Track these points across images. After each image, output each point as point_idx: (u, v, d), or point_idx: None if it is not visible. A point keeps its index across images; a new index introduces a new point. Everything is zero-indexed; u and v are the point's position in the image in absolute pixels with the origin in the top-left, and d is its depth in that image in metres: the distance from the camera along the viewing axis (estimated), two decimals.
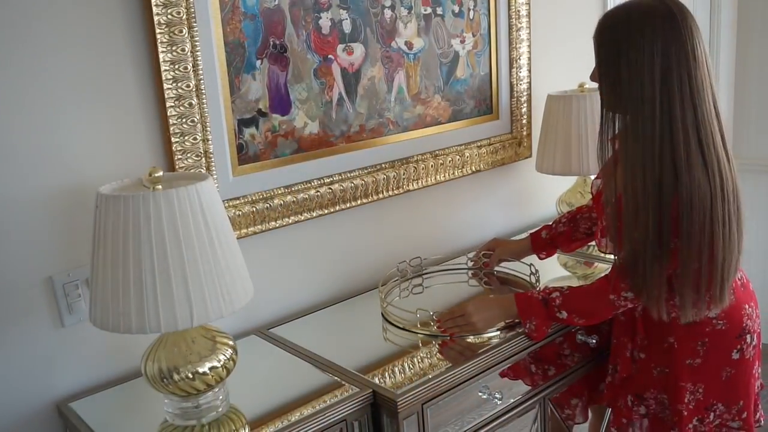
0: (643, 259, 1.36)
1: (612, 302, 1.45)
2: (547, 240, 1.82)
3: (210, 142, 1.50)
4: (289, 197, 1.66)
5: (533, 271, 1.73)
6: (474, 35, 2.03)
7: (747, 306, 1.51)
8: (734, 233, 1.37)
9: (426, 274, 1.90)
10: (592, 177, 2.13)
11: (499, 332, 1.52)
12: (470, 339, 1.51)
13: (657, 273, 1.36)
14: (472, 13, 2.01)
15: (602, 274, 1.59)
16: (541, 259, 1.84)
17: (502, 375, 1.51)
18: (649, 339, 1.54)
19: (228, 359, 1.23)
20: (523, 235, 1.98)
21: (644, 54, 1.32)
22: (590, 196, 2.09)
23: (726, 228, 1.36)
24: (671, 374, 1.51)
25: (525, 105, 2.22)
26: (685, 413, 1.50)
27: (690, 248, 1.34)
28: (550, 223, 1.85)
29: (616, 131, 1.45)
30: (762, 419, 1.59)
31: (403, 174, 1.90)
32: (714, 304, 1.41)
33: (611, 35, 1.38)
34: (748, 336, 1.50)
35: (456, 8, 1.96)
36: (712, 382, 1.51)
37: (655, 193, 1.33)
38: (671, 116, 1.32)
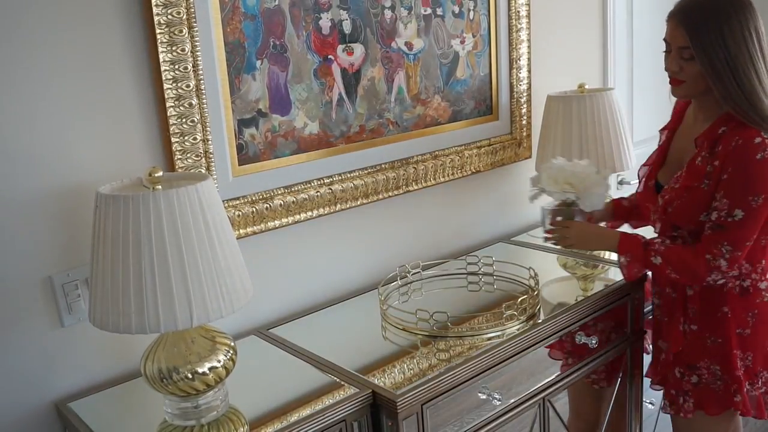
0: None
1: (708, 262, 1.51)
2: (627, 208, 1.87)
3: (210, 142, 1.50)
4: (289, 197, 1.66)
5: (533, 274, 1.73)
6: (474, 36, 2.03)
7: None
8: None
9: (426, 279, 1.90)
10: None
11: (500, 333, 1.52)
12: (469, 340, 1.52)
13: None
14: (472, 13, 2.01)
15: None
16: (608, 226, 1.87)
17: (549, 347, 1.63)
18: (703, 310, 1.62)
19: (227, 359, 1.23)
20: None
21: (743, 29, 1.47)
22: None
23: None
24: (724, 343, 1.60)
25: (525, 106, 2.22)
26: (742, 379, 1.60)
27: None
28: (630, 195, 1.91)
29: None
30: None
31: (403, 174, 1.90)
32: None
33: (710, 20, 1.48)
34: None
35: (456, 9, 1.96)
36: (759, 351, 1.61)
37: None
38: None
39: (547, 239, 1.80)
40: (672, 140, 1.71)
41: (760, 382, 1.62)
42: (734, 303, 1.58)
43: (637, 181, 1.79)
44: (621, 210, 1.88)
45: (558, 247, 1.82)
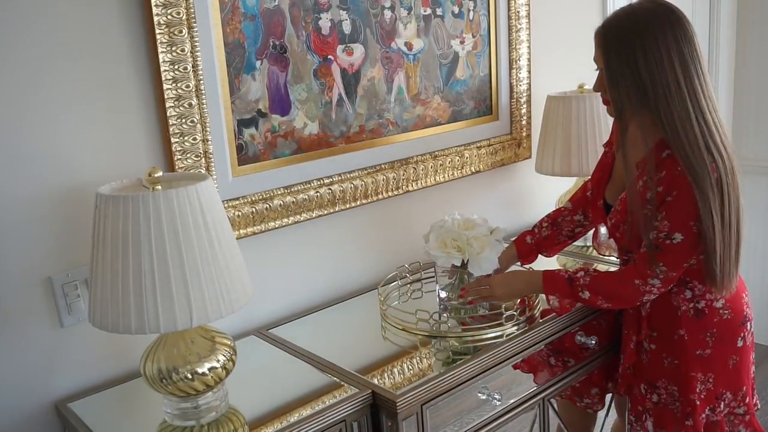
0: (722, 245, 1.40)
1: (637, 287, 1.47)
2: (532, 246, 1.77)
3: (210, 142, 1.50)
4: (288, 198, 1.66)
5: None
6: (474, 36, 2.03)
7: (744, 294, 1.58)
8: (742, 206, 1.45)
9: (425, 279, 1.89)
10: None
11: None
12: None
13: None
14: (471, 13, 2.01)
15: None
16: (522, 266, 1.78)
17: (516, 367, 1.56)
18: (658, 332, 1.58)
19: (227, 360, 1.23)
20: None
21: (661, 52, 1.37)
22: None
23: (740, 201, 1.43)
24: (681, 365, 1.55)
25: (525, 106, 2.22)
26: (698, 403, 1.54)
27: (727, 226, 1.40)
28: (532, 229, 1.80)
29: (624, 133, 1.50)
30: (758, 403, 1.65)
31: (403, 175, 1.90)
32: (731, 284, 1.47)
33: (621, 40, 1.41)
34: (749, 323, 1.57)
35: (456, 9, 1.96)
36: (721, 371, 1.55)
37: (712, 176, 1.37)
38: (700, 105, 1.39)
39: (462, 300, 1.61)
40: (617, 156, 1.62)
41: (722, 405, 1.57)
42: (690, 326, 1.52)
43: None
44: (525, 248, 1.76)
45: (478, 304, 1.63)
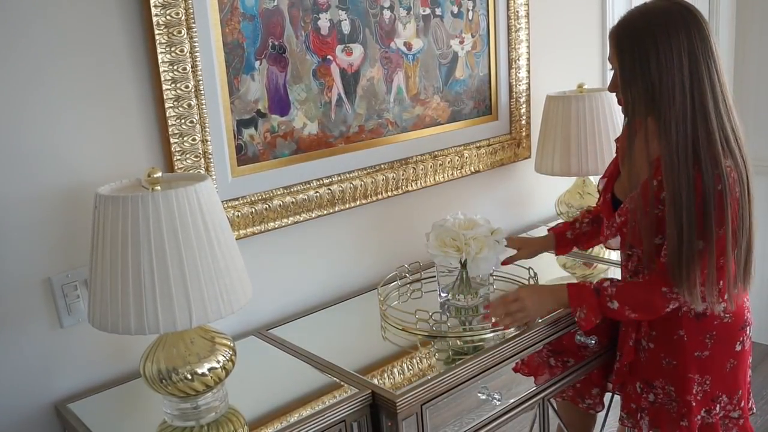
0: (687, 252, 1.38)
1: (664, 294, 1.44)
2: (571, 239, 1.79)
3: (209, 142, 1.50)
4: (288, 198, 1.66)
5: (532, 274, 1.73)
6: (473, 36, 2.03)
7: (746, 299, 1.57)
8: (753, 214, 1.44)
9: (425, 279, 1.89)
10: (591, 178, 2.14)
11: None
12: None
13: (697, 264, 1.39)
14: (471, 13, 2.01)
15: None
16: (556, 255, 1.84)
17: (515, 370, 1.55)
18: (657, 331, 1.57)
19: (227, 360, 1.23)
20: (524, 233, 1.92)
21: (673, 54, 1.36)
22: (590, 197, 2.10)
23: (752, 211, 1.42)
24: (679, 366, 1.55)
25: (524, 106, 2.22)
26: (694, 404, 1.54)
27: (734, 235, 1.39)
28: (572, 222, 1.81)
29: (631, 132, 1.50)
30: (753, 407, 1.65)
31: (402, 175, 1.90)
32: (746, 289, 1.47)
33: (635, 41, 1.40)
34: (748, 328, 1.57)
35: (455, 9, 1.96)
36: (718, 374, 1.55)
37: (694, 186, 1.36)
38: (704, 110, 1.37)
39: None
40: (621, 161, 1.61)
41: (718, 407, 1.56)
42: (690, 327, 1.52)
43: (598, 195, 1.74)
44: (564, 241, 1.79)
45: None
